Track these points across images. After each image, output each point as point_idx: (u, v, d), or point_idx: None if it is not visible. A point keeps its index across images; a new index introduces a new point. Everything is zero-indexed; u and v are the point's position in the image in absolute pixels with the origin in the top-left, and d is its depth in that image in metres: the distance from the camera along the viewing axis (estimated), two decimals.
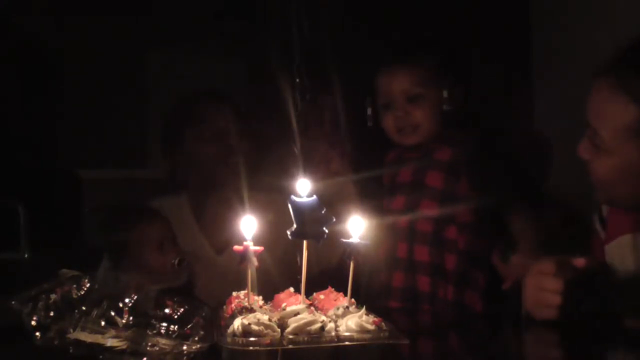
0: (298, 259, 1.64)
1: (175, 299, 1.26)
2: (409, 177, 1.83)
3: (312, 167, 1.77)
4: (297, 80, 1.85)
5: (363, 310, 1.18)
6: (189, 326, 1.19)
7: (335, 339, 1.11)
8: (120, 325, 1.17)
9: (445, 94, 1.80)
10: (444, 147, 1.81)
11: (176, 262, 1.65)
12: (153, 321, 1.19)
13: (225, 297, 1.28)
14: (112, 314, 1.18)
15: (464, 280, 1.75)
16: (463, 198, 1.75)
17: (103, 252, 1.59)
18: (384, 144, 1.94)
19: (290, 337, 1.11)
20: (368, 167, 1.92)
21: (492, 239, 1.76)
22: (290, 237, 1.18)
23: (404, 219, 1.79)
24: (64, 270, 1.29)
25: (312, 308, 1.18)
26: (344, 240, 1.23)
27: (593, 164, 1.41)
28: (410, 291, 1.77)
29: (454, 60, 1.92)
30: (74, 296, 1.22)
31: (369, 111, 1.88)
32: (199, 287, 1.75)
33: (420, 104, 1.80)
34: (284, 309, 1.16)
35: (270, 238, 1.28)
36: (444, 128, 1.83)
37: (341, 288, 1.27)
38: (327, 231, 1.18)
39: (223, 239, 1.93)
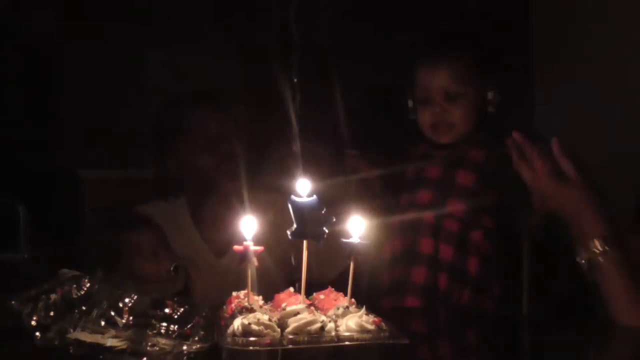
0: (292, 259, 1.64)
1: (175, 299, 1.26)
2: (437, 173, 1.80)
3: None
4: (296, 80, 1.84)
5: (363, 310, 1.18)
6: (189, 326, 1.19)
7: (335, 339, 1.11)
8: (120, 325, 1.17)
9: (488, 95, 1.78)
10: (477, 148, 1.78)
11: (172, 269, 1.64)
12: (153, 321, 1.18)
13: (226, 301, 1.28)
14: (112, 314, 1.18)
15: (481, 285, 1.72)
16: (491, 202, 1.73)
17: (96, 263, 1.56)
18: (409, 140, 1.92)
19: (290, 337, 1.10)
20: (394, 162, 1.89)
21: (513, 248, 1.75)
22: (290, 237, 1.18)
23: (429, 214, 1.76)
24: (64, 270, 1.29)
25: (312, 308, 1.18)
26: (344, 240, 1.23)
27: None
28: (430, 288, 1.73)
29: (495, 60, 1.90)
30: (74, 296, 1.22)
31: (410, 103, 1.86)
32: (200, 291, 1.74)
33: (458, 102, 1.77)
34: (284, 309, 1.16)
35: (271, 238, 1.28)
36: (477, 130, 1.80)
37: (341, 288, 1.27)
38: (327, 231, 1.18)
39: (223, 243, 1.91)
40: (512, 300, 1.76)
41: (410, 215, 1.77)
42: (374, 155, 1.89)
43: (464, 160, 1.77)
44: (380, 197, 1.81)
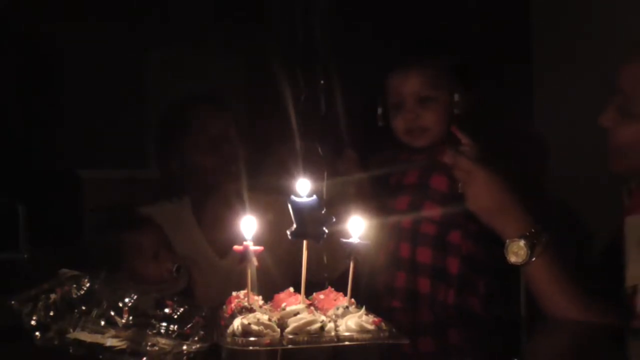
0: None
1: (175, 299, 1.26)
2: (414, 178, 1.82)
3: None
4: (302, 81, 1.84)
5: (363, 310, 1.18)
6: (189, 326, 1.19)
7: (335, 339, 1.11)
8: (120, 325, 1.17)
9: (456, 97, 1.78)
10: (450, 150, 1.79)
11: (174, 269, 1.64)
12: (153, 321, 1.18)
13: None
14: (112, 314, 1.18)
15: (465, 285, 1.73)
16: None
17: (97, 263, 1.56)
18: (392, 145, 1.92)
19: (290, 337, 1.10)
20: (375, 167, 1.89)
21: (494, 246, 1.75)
22: (290, 237, 1.18)
23: (407, 219, 1.78)
24: (64, 270, 1.29)
25: (312, 308, 1.18)
26: (344, 240, 1.23)
27: (618, 131, 1.45)
28: (412, 292, 1.76)
29: (466, 64, 1.90)
30: (74, 296, 1.22)
31: (380, 111, 1.86)
32: (202, 291, 1.74)
33: (430, 106, 1.78)
34: (283, 309, 1.16)
35: (271, 238, 1.28)
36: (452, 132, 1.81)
37: (341, 288, 1.27)
38: (327, 231, 1.18)
39: (226, 243, 1.90)
40: (507, 300, 1.76)
41: (390, 222, 1.78)
42: (370, 161, 1.90)
43: (438, 164, 1.77)
44: (370, 201, 1.82)
